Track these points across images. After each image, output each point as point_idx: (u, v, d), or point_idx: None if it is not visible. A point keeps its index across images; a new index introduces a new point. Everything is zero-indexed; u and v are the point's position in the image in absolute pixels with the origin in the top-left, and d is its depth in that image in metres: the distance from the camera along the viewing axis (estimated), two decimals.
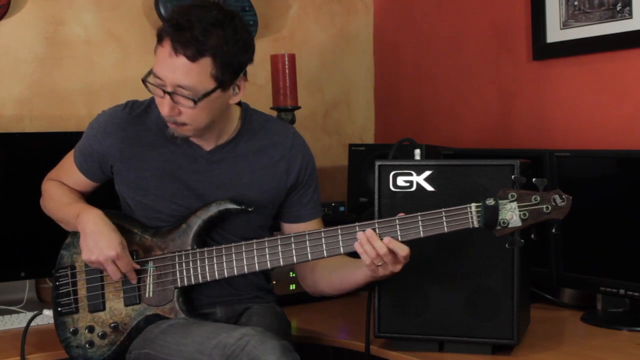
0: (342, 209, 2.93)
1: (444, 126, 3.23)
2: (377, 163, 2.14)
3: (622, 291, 2.34)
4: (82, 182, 2.25)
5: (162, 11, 2.93)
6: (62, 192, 2.24)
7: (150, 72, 2.01)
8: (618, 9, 2.60)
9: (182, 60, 1.95)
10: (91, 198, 2.28)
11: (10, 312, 2.56)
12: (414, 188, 2.11)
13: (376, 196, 2.13)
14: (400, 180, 2.12)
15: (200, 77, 1.97)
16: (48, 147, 2.56)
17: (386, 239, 1.94)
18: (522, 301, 2.11)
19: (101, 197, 2.28)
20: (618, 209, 2.37)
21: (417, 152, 2.36)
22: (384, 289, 2.14)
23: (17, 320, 2.46)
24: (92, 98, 2.90)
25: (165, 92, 1.99)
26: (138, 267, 2.11)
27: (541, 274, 2.52)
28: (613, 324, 2.33)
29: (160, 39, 1.99)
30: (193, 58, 1.96)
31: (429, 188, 2.10)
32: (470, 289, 2.08)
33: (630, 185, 2.35)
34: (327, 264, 2.15)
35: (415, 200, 2.09)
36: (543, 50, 2.83)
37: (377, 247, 1.94)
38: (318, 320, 2.48)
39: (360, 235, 1.97)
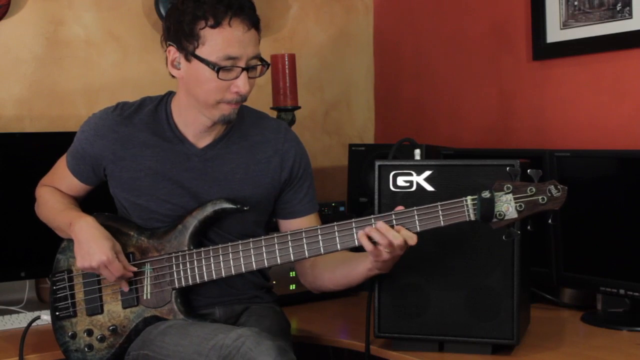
0: (342, 209, 2.93)
1: (444, 126, 3.23)
2: (377, 163, 2.14)
3: (622, 291, 2.34)
4: (76, 185, 2.25)
5: (162, 11, 2.93)
6: (54, 198, 2.24)
7: (210, 63, 2.01)
8: (618, 9, 2.60)
9: (253, 32, 2.05)
10: (87, 201, 2.28)
11: (10, 312, 2.56)
12: (414, 188, 2.11)
13: (376, 196, 2.13)
14: (401, 180, 2.12)
15: (258, 42, 2.10)
16: (48, 147, 2.56)
17: (397, 227, 1.94)
18: (522, 301, 2.11)
19: (97, 199, 2.27)
20: (618, 209, 2.37)
21: (417, 152, 2.36)
22: (384, 289, 2.14)
23: (17, 321, 2.45)
24: (92, 98, 2.90)
25: (242, 68, 2.04)
26: (135, 269, 2.10)
27: (541, 274, 2.52)
28: (613, 324, 2.33)
29: (219, 23, 2.01)
30: (257, 28, 2.08)
31: (429, 188, 2.10)
32: (470, 288, 2.08)
33: (630, 185, 2.35)
34: (329, 260, 2.15)
35: (415, 200, 2.09)
36: (543, 50, 2.83)
37: (391, 237, 1.94)
38: (318, 320, 2.48)
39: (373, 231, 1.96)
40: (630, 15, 2.56)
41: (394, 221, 1.96)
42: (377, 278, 2.12)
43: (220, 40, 2.01)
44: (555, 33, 2.79)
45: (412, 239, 1.95)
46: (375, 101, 3.55)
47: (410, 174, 2.11)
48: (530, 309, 2.32)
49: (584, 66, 2.74)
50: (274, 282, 2.39)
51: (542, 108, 2.88)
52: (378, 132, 3.54)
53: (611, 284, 2.37)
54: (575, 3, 2.72)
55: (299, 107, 2.95)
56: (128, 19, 2.98)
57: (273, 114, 2.88)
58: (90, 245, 2.05)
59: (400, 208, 1.98)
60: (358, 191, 2.99)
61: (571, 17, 2.74)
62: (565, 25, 2.76)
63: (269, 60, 2.87)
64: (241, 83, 2.04)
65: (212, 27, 2.01)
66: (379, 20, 3.51)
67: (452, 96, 3.21)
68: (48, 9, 2.84)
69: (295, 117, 2.94)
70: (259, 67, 2.09)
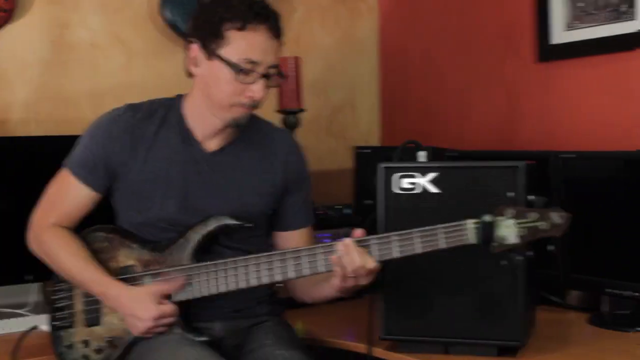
0: (347, 211, 2.93)
1: (450, 128, 3.23)
2: (382, 165, 2.14)
3: (628, 293, 2.34)
4: (87, 199, 2.16)
5: (167, 14, 2.94)
6: (66, 251, 2.14)
7: (231, 63, 2.03)
8: (622, 10, 2.59)
9: (276, 42, 2.08)
10: (92, 214, 2.20)
11: (16, 315, 2.56)
12: (418, 190, 2.11)
13: (381, 198, 2.13)
14: (405, 182, 2.12)
15: (279, 53, 2.12)
16: (54, 151, 2.56)
17: (360, 249, 1.96)
18: (528, 303, 2.11)
19: (101, 210, 2.22)
20: (624, 210, 2.36)
21: (422, 154, 2.36)
22: (389, 292, 2.13)
23: (24, 324, 2.45)
24: (97, 101, 2.91)
25: (261, 74, 2.05)
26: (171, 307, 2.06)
27: (547, 276, 2.51)
28: (619, 326, 2.33)
29: (245, 27, 2.03)
30: (280, 40, 2.10)
31: (434, 190, 2.10)
32: (476, 290, 2.08)
33: (635, 187, 2.34)
34: (304, 280, 2.15)
35: (419, 202, 2.09)
36: (548, 52, 2.83)
37: (354, 258, 1.95)
38: (323, 323, 2.48)
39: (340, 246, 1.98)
40: (635, 17, 2.56)
41: (396, 242, 1.96)
42: (381, 281, 2.12)
43: (244, 43, 2.03)
44: (559, 34, 2.79)
45: (371, 263, 1.96)
46: (381, 104, 3.54)
47: (415, 176, 2.11)
48: (536, 310, 2.31)
49: (589, 67, 2.73)
50: (279, 285, 2.37)
51: (547, 109, 2.88)
52: (383, 135, 3.54)
53: (617, 286, 2.36)
54: (580, 4, 2.72)
55: (304, 110, 2.95)
56: (134, 23, 2.99)
57: (278, 117, 2.89)
58: (135, 312, 2.04)
59: (358, 233, 1.99)
60: (364, 194, 2.99)
61: (576, 19, 2.73)
62: (569, 27, 2.75)
63: None
64: (256, 88, 2.05)
65: (239, 29, 2.03)
66: (384, 23, 3.51)
67: (458, 98, 3.21)
68: (54, 13, 2.85)
69: (301, 120, 2.95)
70: (275, 77, 2.10)
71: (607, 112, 2.69)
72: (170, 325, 2.06)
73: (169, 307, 2.05)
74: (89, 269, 2.10)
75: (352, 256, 1.95)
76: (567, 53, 2.77)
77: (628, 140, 2.61)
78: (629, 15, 2.58)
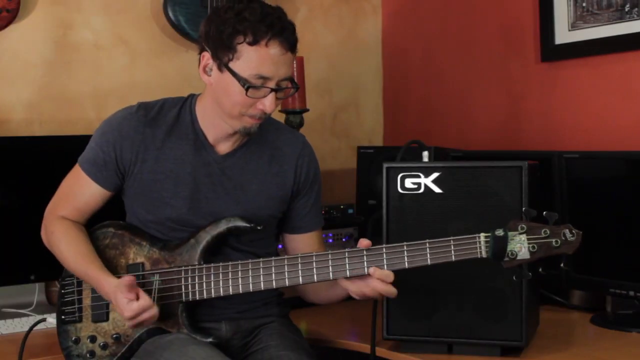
0: (350, 211, 2.93)
1: (453, 128, 3.23)
2: (385, 165, 2.14)
3: (631, 293, 2.34)
4: (97, 196, 2.17)
5: (171, 15, 2.94)
6: (70, 244, 2.15)
7: (241, 79, 2.01)
8: (626, 10, 2.59)
9: (289, 55, 2.04)
10: (102, 209, 2.22)
11: (20, 315, 2.57)
12: (421, 190, 2.11)
13: (384, 198, 2.13)
14: (408, 182, 2.12)
15: (293, 64, 2.11)
16: (57, 151, 2.57)
17: (371, 269, 1.97)
18: (531, 303, 2.11)
19: (112, 206, 2.23)
20: (627, 211, 2.36)
21: (425, 154, 2.36)
22: None
23: (27, 323, 2.46)
24: (100, 101, 2.91)
25: (271, 89, 2.03)
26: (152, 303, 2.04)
27: (550, 276, 2.51)
28: (623, 326, 2.32)
29: (257, 41, 1.99)
30: (294, 51, 2.06)
31: (437, 190, 2.10)
32: (479, 290, 2.08)
33: (639, 187, 2.34)
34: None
35: (423, 202, 2.09)
36: (551, 52, 2.83)
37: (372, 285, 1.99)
38: (327, 323, 2.48)
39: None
40: (639, 17, 2.56)
41: (406, 252, 1.96)
42: None
43: (255, 58, 2.00)
44: (563, 34, 2.78)
45: (388, 277, 1.97)
46: (384, 103, 3.55)
47: (418, 176, 2.11)
48: (539, 310, 2.31)
49: (593, 67, 2.73)
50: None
51: (550, 109, 2.87)
52: (387, 135, 3.54)
53: (621, 286, 2.36)
54: (584, 4, 2.71)
55: (308, 110, 2.96)
56: (137, 23, 2.99)
57: (282, 117, 2.89)
58: (116, 305, 2.03)
59: (365, 242, 2.00)
60: (367, 193, 2.99)
61: (579, 19, 2.73)
62: (573, 27, 2.75)
63: None
64: (268, 103, 2.03)
65: (250, 44, 2.00)
66: (387, 22, 3.51)
67: (461, 98, 3.21)
68: (57, 13, 2.85)
69: (304, 120, 2.95)
70: (287, 89, 2.08)
71: (611, 112, 2.69)
72: (150, 320, 2.03)
73: (137, 304, 1.99)
74: (86, 261, 2.10)
75: (374, 284, 1.98)
76: (571, 53, 2.77)
77: (632, 140, 2.61)
78: (633, 15, 2.57)
